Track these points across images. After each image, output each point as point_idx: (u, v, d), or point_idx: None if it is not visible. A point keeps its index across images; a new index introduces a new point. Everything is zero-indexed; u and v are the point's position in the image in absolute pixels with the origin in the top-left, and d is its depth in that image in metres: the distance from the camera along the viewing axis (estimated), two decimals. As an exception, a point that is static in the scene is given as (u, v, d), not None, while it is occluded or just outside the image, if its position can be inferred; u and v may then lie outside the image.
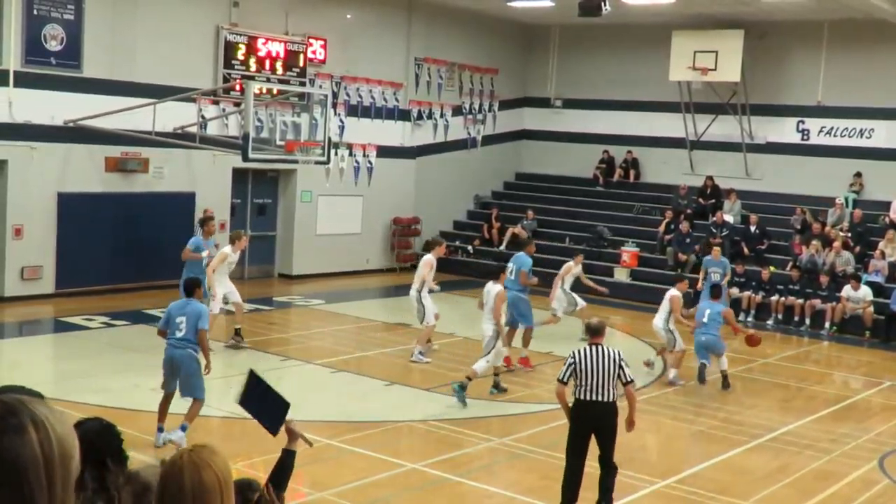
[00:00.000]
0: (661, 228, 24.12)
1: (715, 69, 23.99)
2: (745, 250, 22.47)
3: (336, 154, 22.84)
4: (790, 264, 21.48)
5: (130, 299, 18.57)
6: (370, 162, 24.42)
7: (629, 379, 8.84)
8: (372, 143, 24.38)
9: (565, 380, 8.81)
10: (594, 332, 9.03)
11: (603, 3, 18.71)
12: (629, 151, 27.15)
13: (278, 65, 21.58)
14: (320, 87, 22.34)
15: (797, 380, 15.99)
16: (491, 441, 11.05)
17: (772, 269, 21.54)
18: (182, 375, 10.46)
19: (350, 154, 23.91)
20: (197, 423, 11.27)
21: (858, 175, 23.91)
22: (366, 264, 24.05)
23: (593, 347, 8.83)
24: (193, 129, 19.29)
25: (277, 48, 21.58)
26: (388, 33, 24.72)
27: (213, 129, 20.58)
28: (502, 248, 24.57)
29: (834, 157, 24.16)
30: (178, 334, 10.39)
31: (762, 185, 25.10)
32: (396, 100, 25.06)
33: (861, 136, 24.06)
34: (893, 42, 22.99)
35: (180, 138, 19.22)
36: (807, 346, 18.71)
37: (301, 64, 22.07)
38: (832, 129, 24.41)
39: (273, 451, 10.60)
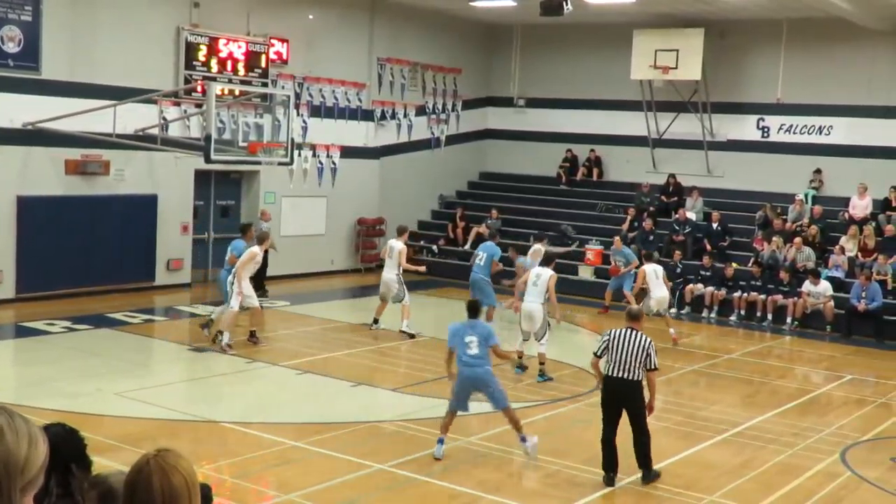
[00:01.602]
0: (625, 226, 24.27)
1: (676, 68, 24.18)
2: (708, 247, 22.66)
3: (299, 155, 22.77)
4: (752, 260, 21.69)
5: (93, 303, 18.40)
6: (334, 162, 24.36)
7: (654, 366, 9.78)
8: (335, 144, 24.32)
9: (600, 354, 9.93)
10: (633, 318, 10.11)
11: (564, 3, 18.76)
12: (592, 150, 27.29)
13: (240, 66, 21.46)
14: (283, 87, 22.24)
15: (760, 375, 16.14)
16: (458, 440, 11.05)
17: (734, 265, 21.72)
18: (487, 392, 10.55)
19: (314, 155, 23.84)
20: (163, 425, 11.21)
21: (818, 172, 24.19)
22: (331, 265, 23.99)
23: (628, 330, 9.84)
24: (155, 131, 19.13)
25: (239, 49, 21.45)
26: (351, 34, 24.66)
27: (174, 131, 20.45)
28: (467, 247, 24.60)
29: (794, 154, 24.44)
30: (470, 352, 10.41)
31: (724, 183, 25.32)
32: (360, 100, 25.01)
33: (820, 133, 24.34)
34: (851, 39, 23.29)
35: (141, 140, 19.05)
36: (769, 341, 18.91)
37: (263, 65, 21.96)
38: (792, 126, 24.68)
39: (240, 454, 10.62)
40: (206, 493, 4.06)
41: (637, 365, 9.68)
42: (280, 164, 19.74)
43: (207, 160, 17.57)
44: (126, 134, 18.83)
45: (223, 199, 22.71)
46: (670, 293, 18.14)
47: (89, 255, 19.24)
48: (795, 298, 20.19)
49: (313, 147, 23.78)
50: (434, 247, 24.92)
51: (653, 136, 26.14)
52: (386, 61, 25.56)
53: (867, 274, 19.83)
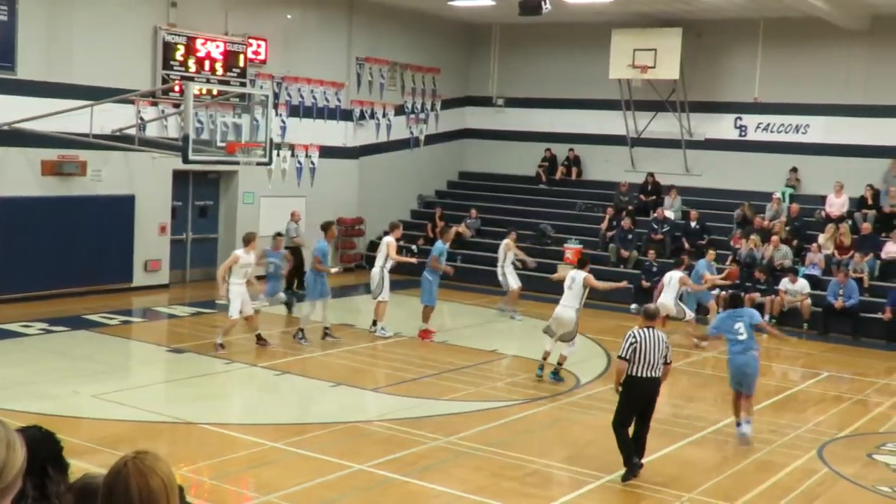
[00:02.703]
0: (604, 225, 24.34)
1: (654, 67, 24.27)
2: (686, 245, 22.75)
3: (278, 155, 22.70)
4: (730, 258, 21.80)
5: (70, 304, 18.28)
6: (313, 162, 24.31)
7: (671, 360, 10.19)
8: (314, 144, 24.27)
9: (627, 356, 9.90)
10: (650, 316, 10.25)
11: (543, 2, 18.80)
12: (571, 149, 27.35)
13: (218, 65, 21.38)
14: (261, 87, 22.18)
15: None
16: (438, 440, 11.06)
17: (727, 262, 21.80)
18: (750, 373, 11.47)
19: (292, 155, 23.78)
20: (141, 427, 11.15)
21: (794, 170, 24.34)
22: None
23: (649, 330, 9.99)
24: (132, 131, 19.03)
25: (217, 49, 21.36)
26: (330, 33, 24.62)
27: (152, 131, 20.35)
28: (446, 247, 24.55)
29: (771, 153, 24.59)
30: (741, 338, 11.39)
31: (702, 182, 25.45)
32: (338, 100, 24.97)
33: (797, 132, 24.49)
34: (827, 39, 23.45)
35: (119, 140, 18.94)
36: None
37: (241, 64, 21.89)
38: (769, 125, 24.82)
39: (219, 456, 10.58)
40: (180, 495, 4.04)
41: (661, 363, 9.95)
42: (258, 164, 19.69)
43: (185, 160, 17.49)
44: (103, 134, 18.71)
45: (201, 199, 22.62)
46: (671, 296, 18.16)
47: (66, 256, 19.12)
48: (773, 296, 20.31)
49: (292, 147, 23.71)
50: (413, 246, 24.86)
51: (631, 135, 26.22)
52: (365, 61, 25.53)
53: (844, 272, 19.98)
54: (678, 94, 25.06)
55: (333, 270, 16.44)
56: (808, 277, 20.56)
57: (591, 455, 10.89)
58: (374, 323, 16.96)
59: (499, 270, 19.91)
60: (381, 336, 16.74)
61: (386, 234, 17.96)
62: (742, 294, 13.99)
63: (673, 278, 17.83)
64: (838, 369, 16.65)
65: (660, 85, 24.98)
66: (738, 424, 11.53)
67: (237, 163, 19.22)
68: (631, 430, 10.06)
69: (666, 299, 17.72)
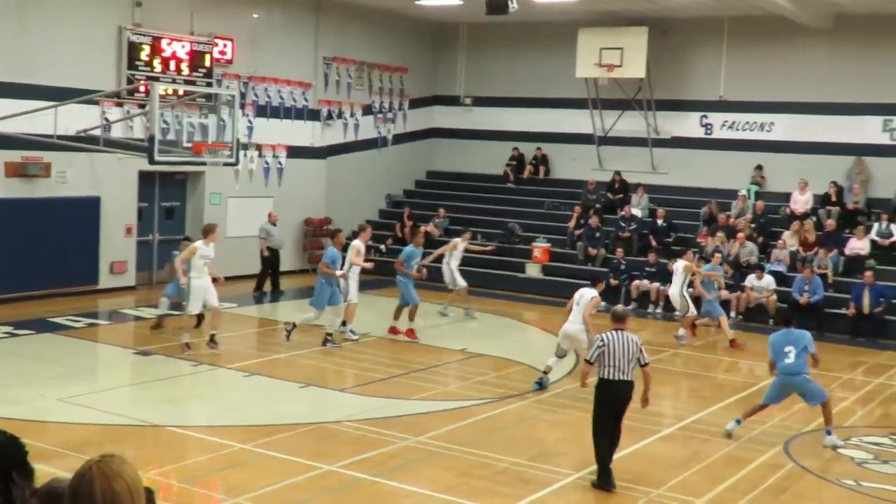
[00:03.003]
0: (572, 224, 24.44)
1: (620, 66, 24.38)
2: (653, 243, 22.91)
3: (245, 155, 22.62)
4: (696, 256, 21.93)
5: (35, 307, 18.11)
6: (280, 163, 24.23)
7: (647, 361, 10.04)
8: (281, 144, 24.19)
9: (593, 361, 9.97)
10: (619, 319, 10.15)
11: (510, 2, 18.86)
12: (539, 148, 27.44)
13: (184, 65, 21.25)
14: (228, 87, 22.08)
15: (705, 369, 16.37)
16: (407, 440, 11.07)
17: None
18: (806, 391, 11.65)
19: (259, 155, 23.69)
20: (108, 430, 11.07)
21: (759, 168, 24.56)
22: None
23: (618, 332, 9.92)
24: (97, 132, 18.88)
25: (183, 48, 21.24)
26: (296, 33, 24.55)
27: (117, 132, 20.19)
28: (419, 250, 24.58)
29: (736, 151, 24.80)
30: (787, 361, 11.50)
31: (668, 179, 25.61)
32: (306, 100, 24.91)
33: (762, 130, 24.71)
34: (791, 37, 23.68)
35: (83, 142, 18.79)
36: (714, 335, 19.13)
37: (207, 64, 21.77)
38: (734, 123, 25.02)
39: (187, 458, 10.51)
40: (150, 497, 4.03)
41: (633, 365, 9.83)
42: (225, 164, 19.60)
43: (151, 161, 17.38)
44: (67, 135, 18.55)
45: (168, 200, 22.48)
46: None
47: (31, 258, 18.93)
48: (739, 293, 20.50)
49: (259, 147, 23.63)
50: (382, 246, 24.87)
51: (598, 133, 26.34)
52: (332, 60, 25.48)
53: (809, 268, 20.19)
54: (644, 92, 25.21)
55: (339, 273, 16.12)
56: (774, 274, 20.76)
57: (560, 453, 10.94)
58: (344, 324, 16.89)
59: (444, 267, 19.80)
60: (349, 339, 16.59)
61: (355, 234, 17.81)
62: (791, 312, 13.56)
63: (678, 267, 18.03)
64: (804, 365, 16.78)
65: (626, 83, 25.11)
66: (737, 422, 11.84)
67: (204, 163, 19.12)
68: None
69: (672, 290, 18.00)
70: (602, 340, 9.86)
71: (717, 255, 19.48)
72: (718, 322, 18.16)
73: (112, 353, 15.69)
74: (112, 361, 15.38)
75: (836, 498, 10.01)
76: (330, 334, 16.23)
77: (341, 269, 16.32)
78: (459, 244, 19.81)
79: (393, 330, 17.25)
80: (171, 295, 16.45)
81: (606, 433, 9.81)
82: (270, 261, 22.20)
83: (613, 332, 9.92)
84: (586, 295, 14.13)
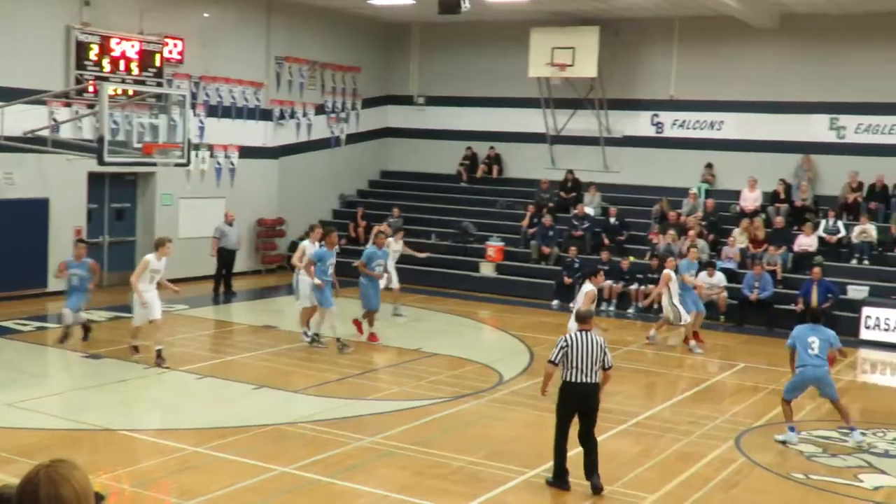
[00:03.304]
0: (525, 223, 24.55)
1: (572, 65, 24.53)
2: (606, 241, 23.07)
3: (196, 155, 22.47)
4: (648, 254, 22.17)
5: (-18, 311, 17.81)
6: (232, 163, 24.07)
7: (611, 364, 9.78)
8: (233, 144, 24.04)
9: (556, 361, 9.62)
10: (582, 320, 9.90)
11: (462, 1, 18.88)
12: (492, 147, 27.52)
13: (133, 65, 21.02)
14: (178, 87, 21.89)
15: (658, 365, 16.52)
16: (362, 440, 11.05)
17: (631, 258, 22.17)
18: (823, 385, 11.69)
19: (211, 155, 23.53)
20: (59, 435, 10.93)
21: (710, 166, 24.84)
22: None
23: (583, 333, 9.68)
24: (45, 133, 18.62)
25: (132, 48, 21.01)
26: (248, 32, 24.39)
27: (66, 133, 19.93)
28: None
29: (687, 149, 25.07)
30: (811, 352, 11.57)
31: (620, 178, 25.81)
32: (257, 99, 24.76)
33: (711, 129, 25.00)
34: (740, 37, 23.98)
35: (31, 142, 18.52)
36: (665, 332, 19.32)
37: (158, 64, 21.56)
38: (684, 122, 25.29)
39: (140, 462, 10.41)
40: (100, 503, 3.98)
41: (597, 367, 9.59)
42: (176, 165, 19.45)
43: (101, 162, 17.19)
44: (15, 136, 18.28)
45: (118, 201, 22.24)
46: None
47: (-22, 261, 18.63)
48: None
49: (211, 147, 23.46)
50: (336, 246, 24.77)
51: (551, 132, 26.48)
52: (284, 60, 25.36)
53: (759, 264, 20.47)
54: (596, 91, 25.38)
55: (317, 282, 15.78)
56: (724, 271, 21.00)
57: (514, 451, 10.97)
58: (315, 334, 16.42)
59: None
60: (303, 341, 16.37)
61: (307, 234, 17.69)
62: (820, 309, 13.45)
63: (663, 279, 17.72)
64: (754, 360, 17.03)
65: (578, 83, 25.27)
66: (791, 429, 11.71)
67: (154, 164, 18.97)
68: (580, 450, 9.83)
69: (663, 301, 17.62)
70: (565, 341, 9.63)
71: (694, 249, 19.08)
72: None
73: (62, 356, 15.47)
74: (62, 365, 15.19)
75: (786, 491, 10.15)
76: (317, 334, 16.14)
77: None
78: (392, 244, 19.58)
79: (372, 337, 16.81)
80: (73, 308, 15.67)
81: (566, 435, 9.64)
82: (225, 261, 22.05)
83: (578, 332, 9.71)
84: (583, 289, 14.24)
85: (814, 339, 11.59)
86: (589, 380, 9.56)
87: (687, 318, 17.41)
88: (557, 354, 9.61)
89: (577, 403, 9.62)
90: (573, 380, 9.55)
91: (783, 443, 11.63)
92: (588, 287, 14.20)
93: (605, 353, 9.65)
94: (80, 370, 14.74)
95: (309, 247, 16.58)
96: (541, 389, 10.16)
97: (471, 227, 25.17)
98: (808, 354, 11.57)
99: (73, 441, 10.86)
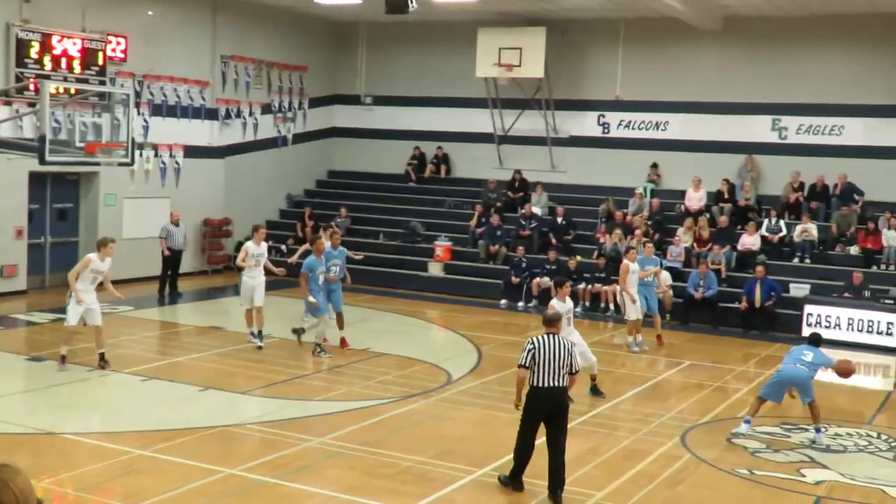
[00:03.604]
0: (473, 222, 24.60)
1: (520, 65, 24.63)
2: (553, 241, 23.21)
3: (141, 155, 22.21)
4: (595, 253, 22.34)
5: (-80, 314, 17.43)
6: (177, 162, 23.82)
7: (577, 369, 9.58)
8: (178, 143, 23.79)
9: (527, 364, 9.33)
10: (549, 322, 9.64)
11: (409, 1, 18.86)
12: (440, 147, 27.55)
13: (76, 63, 20.71)
14: (122, 86, 21.62)
15: (605, 364, 16.60)
16: (310, 441, 11.00)
17: (578, 258, 22.33)
18: (807, 388, 11.86)
19: (156, 155, 23.27)
20: (2, 439, 10.74)
21: (655, 166, 25.10)
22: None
23: (550, 336, 9.44)
24: (-16, 132, 18.26)
25: (74, 46, 20.69)
26: (193, 30, 24.15)
27: (6, 131, 19.53)
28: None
29: (633, 150, 25.31)
30: (804, 358, 11.90)
31: (567, 178, 25.98)
32: (203, 98, 24.53)
33: (657, 129, 25.27)
34: (685, 39, 24.26)
35: (-30, 141, 18.14)
36: (612, 330, 19.50)
37: (100, 62, 21.25)
38: (630, 122, 25.52)
39: (84, 466, 10.26)
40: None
41: (564, 370, 9.33)
42: (120, 164, 19.11)
43: (42, 161, 16.84)
44: (-48, 135, 17.90)
45: (60, 201, 21.91)
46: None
47: (-85, 263, 18.22)
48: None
49: (155, 147, 23.20)
50: (283, 247, 24.65)
51: (498, 132, 26.56)
52: (230, 59, 25.15)
53: (704, 263, 20.73)
54: (543, 92, 25.51)
55: (311, 300, 15.42)
56: (670, 269, 21.24)
57: (462, 451, 10.99)
58: (258, 334, 16.15)
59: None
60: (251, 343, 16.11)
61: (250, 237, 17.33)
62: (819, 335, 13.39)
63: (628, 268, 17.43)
64: (699, 358, 17.25)
65: (525, 83, 25.38)
66: (747, 422, 11.89)
67: (98, 164, 18.64)
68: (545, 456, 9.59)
69: (618, 295, 17.79)
70: (532, 343, 9.38)
71: (649, 245, 18.86)
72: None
73: (2, 359, 15.18)
74: (3, 368, 14.88)
75: (730, 487, 10.29)
76: (301, 330, 16.09)
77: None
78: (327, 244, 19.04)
79: (343, 342, 16.35)
80: None
81: (528, 436, 9.45)
82: (171, 262, 21.81)
83: (545, 335, 9.46)
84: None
85: (809, 353, 11.91)
86: (557, 384, 9.31)
87: (634, 315, 17.24)
88: (527, 358, 9.34)
89: (546, 408, 9.35)
90: (540, 384, 9.29)
91: (735, 434, 11.86)
92: (553, 303, 13.21)
93: (572, 357, 9.42)
94: (22, 373, 14.49)
95: (252, 248, 16.13)
96: (514, 402, 9.70)
97: (419, 226, 25.17)
98: (802, 359, 11.83)
99: (14, 445, 10.66)
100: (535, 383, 9.32)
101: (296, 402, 12.91)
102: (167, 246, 21.65)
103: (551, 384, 9.29)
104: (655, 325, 18.06)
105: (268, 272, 16.36)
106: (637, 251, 18.06)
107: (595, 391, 13.80)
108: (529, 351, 9.34)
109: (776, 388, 12.03)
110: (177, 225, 21.83)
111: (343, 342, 16.24)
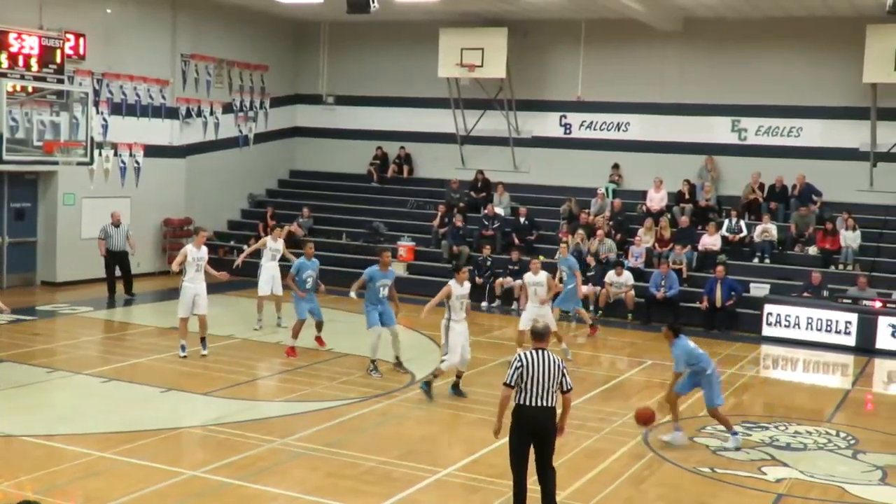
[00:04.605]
0: (436, 222, 24.60)
1: (482, 66, 24.68)
2: (516, 241, 23.27)
3: (100, 154, 21.99)
4: (558, 253, 22.38)
5: None
6: (137, 162, 23.60)
7: (570, 387, 8.73)
8: (139, 143, 23.57)
9: (513, 383, 8.51)
10: (539, 337, 8.80)
11: (371, 0, 18.85)
12: (402, 147, 27.51)
13: (33, 61, 20.40)
14: (80, 84, 21.37)
15: (569, 363, 16.68)
16: (273, 442, 10.94)
17: (541, 257, 22.36)
18: (713, 388, 11.72)
19: (115, 154, 23.04)
20: (-45, 444, 10.57)
21: (616, 167, 25.25)
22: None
23: (539, 352, 8.61)
24: (-60, 130, 17.99)
25: (31, 44, 20.39)
26: (153, 29, 23.93)
27: (-38, 130, 19.27)
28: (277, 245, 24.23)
29: (594, 150, 25.44)
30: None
31: (529, 178, 26.06)
32: (163, 97, 24.32)
33: (618, 130, 25.41)
34: (645, 40, 24.43)
35: (-75, 140, 17.87)
36: (574, 330, 19.57)
37: (58, 60, 20.95)
38: (592, 123, 25.65)
39: (43, 468, 10.13)
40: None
41: (555, 389, 8.56)
42: (79, 164, 19.01)
43: (-1, 161, 16.68)
44: None
45: (18, 201, 21.62)
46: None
47: None
48: (599, 288, 21.01)
49: (115, 146, 22.97)
50: (245, 246, 24.47)
51: (461, 133, 26.58)
52: (190, 58, 24.96)
53: (665, 263, 20.88)
54: (505, 92, 25.57)
55: (221, 275, 15.56)
56: (631, 270, 21.37)
57: (425, 451, 10.99)
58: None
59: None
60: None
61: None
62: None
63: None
64: (661, 357, 17.30)
65: (487, 83, 25.43)
66: (678, 429, 11.78)
67: (56, 163, 18.49)
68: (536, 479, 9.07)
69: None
70: (520, 360, 8.54)
71: (563, 245, 18.92)
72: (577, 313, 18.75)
73: (-41, 361, 14.95)
74: (-41, 370, 14.67)
75: (693, 485, 10.36)
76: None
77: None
78: (270, 242, 18.35)
79: (319, 341, 16.44)
80: None
81: (521, 466, 8.67)
82: (114, 263, 21.28)
83: (533, 351, 8.62)
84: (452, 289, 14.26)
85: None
86: (546, 403, 8.50)
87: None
88: (513, 376, 8.49)
89: (533, 429, 8.56)
90: (528, 403, 8.48)
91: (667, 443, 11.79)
92: (450, 283, 13.97)
93: (563, 374, 8.60)
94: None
95: (192, 251, 15.23)
96: (495, 428, 8.85)
97: (381, 226, 25.13)
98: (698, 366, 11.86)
99: (-29, 448, 10.50)
100: (521, 401, 8.51)
101: (258, 402, 12.83)
102: (106, 248, 21.11)
103: (540, 403, 8.49)
104: (583, 318, 18.56)
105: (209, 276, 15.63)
106: (539, 263, 16.78)
107: (456, 390, 13.61)
108: (517, 369, 8.48)
109: (689, 384, 11.89)
110: (117, 226, 21.23)
111: (319, 340, 16.56)
